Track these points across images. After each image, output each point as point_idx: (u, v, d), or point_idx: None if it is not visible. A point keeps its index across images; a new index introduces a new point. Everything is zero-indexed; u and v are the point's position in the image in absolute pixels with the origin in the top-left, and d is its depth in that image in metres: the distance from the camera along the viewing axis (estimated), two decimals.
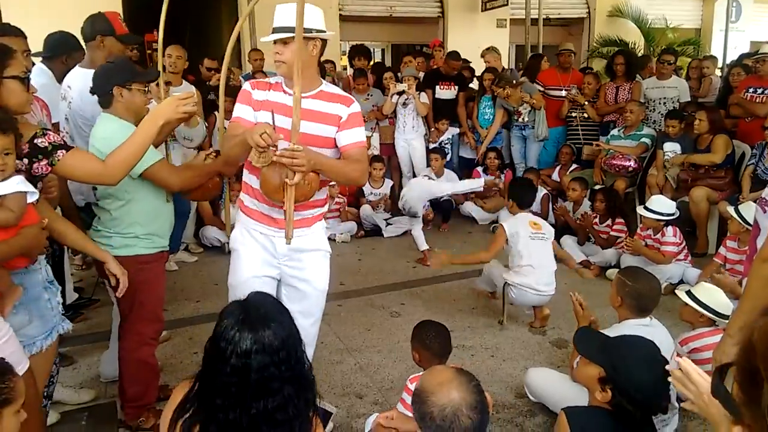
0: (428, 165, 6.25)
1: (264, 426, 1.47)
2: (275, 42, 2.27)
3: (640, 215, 4.57)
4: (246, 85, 2.46)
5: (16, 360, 1.81)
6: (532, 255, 3.70)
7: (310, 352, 2.63)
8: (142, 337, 2.65)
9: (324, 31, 2.33)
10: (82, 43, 3.41)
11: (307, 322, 2.57)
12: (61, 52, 3.40)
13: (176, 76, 4.70)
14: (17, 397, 1.52)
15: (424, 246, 4.95)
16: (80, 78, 3.13)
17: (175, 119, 2.45)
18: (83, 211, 3.13)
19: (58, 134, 2.35)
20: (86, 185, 2.86)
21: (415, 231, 5.00)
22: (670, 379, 1.59)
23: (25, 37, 3.01)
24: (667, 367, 1.65)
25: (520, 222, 3.80)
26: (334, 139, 2.39)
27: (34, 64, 3.23)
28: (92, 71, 2.68)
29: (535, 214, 5.76)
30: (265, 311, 1.53)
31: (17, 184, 1.89)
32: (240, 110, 2.41)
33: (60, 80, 3.38)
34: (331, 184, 5.72)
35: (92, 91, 2.57)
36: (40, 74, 3.22)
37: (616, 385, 1.92)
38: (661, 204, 4.45)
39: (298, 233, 2.38)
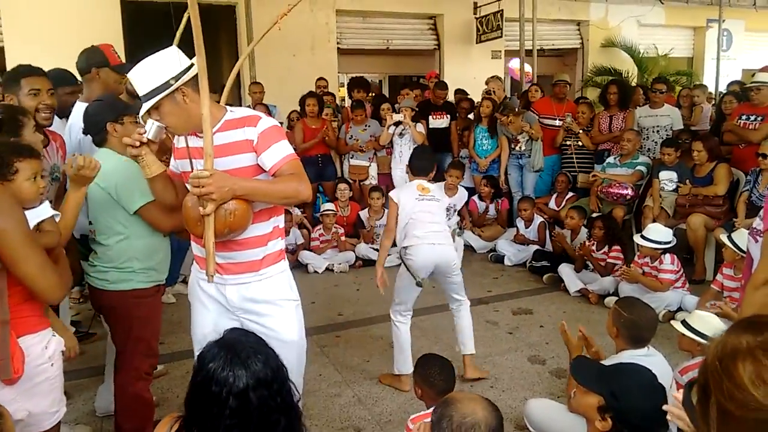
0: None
1: None
2: (149, 113, 2.08)
3: (637, 244, 4.59)
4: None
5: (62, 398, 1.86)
6: (418, 213, 3.38)
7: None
8: (138, 372, 2.63)
9: (184, 72, 2.02)
10: (78, 77, 3.48)
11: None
12: (60, 87, 3.46)
13: None
14: None
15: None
16: (81, 111, 3.18)
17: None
18: (79, 242, 3.16)
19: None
20: (82, 217, 2.87)
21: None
22: (668, 417, 1.59)
23: (45, 76, 3.07)
24: (664, 406, 1.65)
25: (407, 188, 3.56)
26: (257, 165, 2.11)
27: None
28: None
29: (531, 242, 5.82)
30: (250, 345, 1.52)
31: (50, 207, 1.94)
32: (171, 161, 2.31)
33: (60, 115, 3.44)
34: (324, 213, 5.85)
35: (85, 132, 2.61)
36: None
37: (616, 414, 1.91)
38: (658, 232, 4.47)
39: (244, 279, 2.18)
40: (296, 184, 2.07)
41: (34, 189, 1.93)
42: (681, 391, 1.61)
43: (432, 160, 3.74)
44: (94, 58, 3.31)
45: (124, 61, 3.54)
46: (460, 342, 3.52)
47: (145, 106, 2.03)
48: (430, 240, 3.34)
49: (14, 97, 2.95)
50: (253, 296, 2.22)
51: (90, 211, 2.55)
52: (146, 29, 7.14)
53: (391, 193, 3.63)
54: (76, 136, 3.13)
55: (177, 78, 2.00)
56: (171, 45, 2.16)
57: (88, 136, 2.65)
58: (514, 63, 8.52)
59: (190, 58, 2.05)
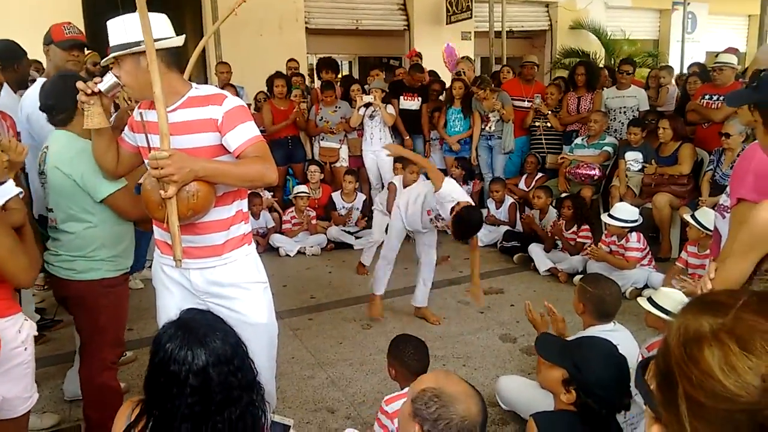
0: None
1: None
2: (111, 66, 2.05)
3: (605, 222, 4.67)
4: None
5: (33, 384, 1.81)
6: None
7: (272, 390, 2.43)
8: (104, 362, 2.56)
9: (158, 40, 1.95)
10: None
11: (258, 362, 1.96)
12: (11, 60, 3.36)
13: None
14: None
15: (367, 262, 5.11)
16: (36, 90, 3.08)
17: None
18: (37, 222, 3.07)
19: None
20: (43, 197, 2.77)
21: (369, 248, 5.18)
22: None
23: None
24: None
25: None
26: (220, 145, 2.04)
27: None
28: None
29: (502, 222, 5.87)
30: (207, 324, 1.51)
31: (14, 186, 1.87)
32: (125, 130, 2.24)
33: (15, 89, 3.34)
34: (297, 195, 5.83)
35: (43, 109, 2.46)
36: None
37: (579, 385, 1.96)
38: (625, 211, 4.55)
39: (207, 263, 2.14)
40: (261, 167, 2.01)
41: None
42: None
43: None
44: (44, 38, 3.27)
45: (85, 36, 3.43)
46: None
47: (110, 57, 1.98)
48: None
49: None
50: (218, 280, 2.18)
51: (51, 199, 2.44)
52: (106, 9, 6.93)
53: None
54: (27, 111, 3.03)
55: (157, 41, 1.92)
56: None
57: (42, 114, 2.49)
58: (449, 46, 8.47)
59: None
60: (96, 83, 2.04)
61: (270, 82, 6.38)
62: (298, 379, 3.29)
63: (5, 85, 3.29)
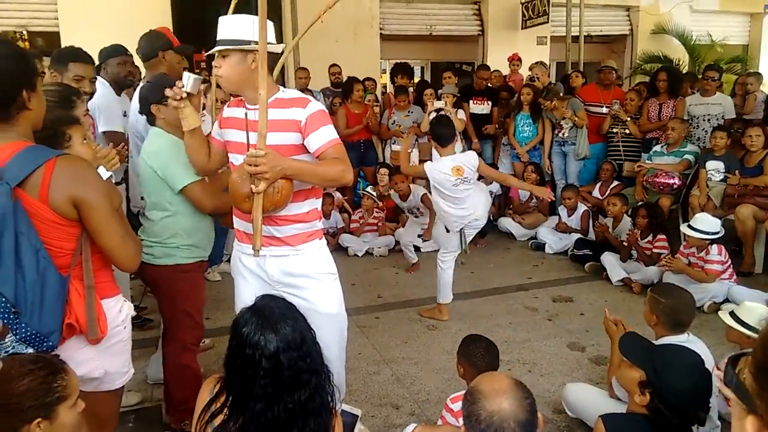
0: None
1: (299, 418, 1.55)
2: (215, 57, 2.18)
3: (684, 233, 4.49)
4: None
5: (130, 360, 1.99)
6: (460, 199, 3.92)
7: (341, 380, 2.52)
8: (184, 343, 2.74)
9: (272, 44, 2.16)
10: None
11: (329, 354, 2.26)
12: (100, 63, 3.58)
13: (227, 94, 4.86)
14: (72, 393, 1.61)
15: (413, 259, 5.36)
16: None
17: None
18: (134, 216, 3.31)
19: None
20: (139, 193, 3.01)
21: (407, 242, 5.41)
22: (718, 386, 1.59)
23: (92, 64, 3.22)
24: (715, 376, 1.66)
25: (442, 168, 3.90)
26: (303, 146, 2.19)
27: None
28: None
29: (573, 230, 5.75)
30: (279, 311, 1.61)
31: (105, 170, 2.05)
32: (213, 129, 2.39)
33: (116, 91, 3.57)
34: (365, 194, 5.94)
35: (140, 111, 2.73)
36: (101, 88, 3.42)
37: (655, 390, 1.93)
38: (706, 222, 4.36)
39: (281, 251, 2.27)
40: (340, 168, 2.16)
41: (90, 151, 2.03)
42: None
43: (452, 126, 4.10)
44: (158, 42, 3.39)
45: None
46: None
47: (218, 47, 2.13)
48: (473, 220, 4.01)
49: (59, 75, 3.08)
50: (291, 270, 2.31)
51: (142, 188, 2.67)
52: (194, 12, 7.32)
53: (426, 167, 3.98)
54: (139, 118, 3.25)
55: (269, 45, 2.09)
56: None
57: (142, 118, 2.76)
58: None
59: None
60: (180, 87, 2.21)
61: (348, 86, 6.54)
62: (364, 374, 3.37)
63: (105, 84, 3.54)
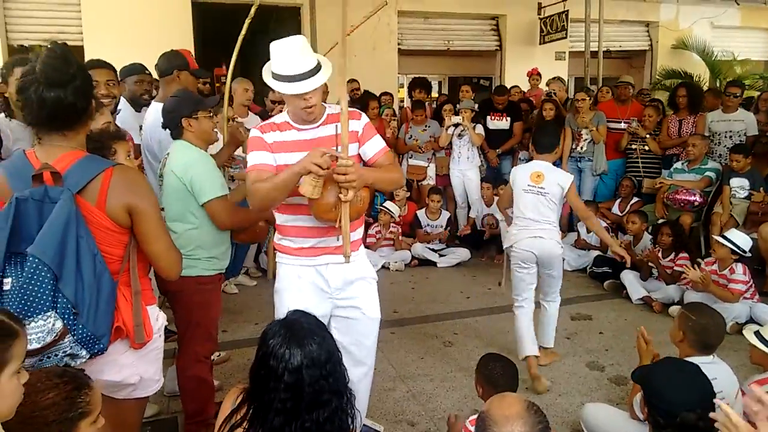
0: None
1: None
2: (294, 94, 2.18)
3: (716, 241, 4.37)
4: (254, 132, 2.38)
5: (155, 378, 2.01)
6: (527, 208, 3.50)
7: (363, 409, 2.56)
8: (197, 355, 2.75)
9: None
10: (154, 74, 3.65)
11: (359, 371, 2.48)
12: (121, 79, 3.63)
13: (242, 107, 4.92)
14: (94, 409, 1.60)
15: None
16: (153, 112, 3.34)
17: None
18: None
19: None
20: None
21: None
22: (714, 418, 1.57)
23: (112, 69, 3.27)
24: (711, 415, 1.63)
25: (523, 170, 3.63)
26: (359, 154, 2.36)
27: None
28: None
29: (593, 247, 5.69)
30: (309, 327, 1.60)
31: None
32: (257, 157, 2.29)
33: (135, 107, 3.64)
34: (382, 209, 5.94)
35: (164, 126, 2.75)
36: (121, 105, 3.48)
37: (645, 398, 1.93)
38: (739, 238, 4.28)
39: (341, 258, 2.30)
40: (399, 172, 2.52)
41: (133, 165, 2.11)
42: (723, 403, 1.60)
43: (557, 136, 3.90)
44: (176, 61, 3.47)
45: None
46: (539, 334, 3.62)
47: (315, 84, 2.18)
48: (531, 233, 3.45)
49: None
50: (350, 276, 2.44)
51: (164, 199, 2.67)
52: (215, 30, 7.42)
53: (513, 169, 3.78)
54: (153, 136, 3.29)
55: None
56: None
57: (167, 130, 2.78)
58: None
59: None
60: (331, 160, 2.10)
61: (364, 101, 6.57)
62: (379, 391, 3.34)
63: (123, 101, 3.60)
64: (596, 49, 8.45)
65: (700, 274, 4.22)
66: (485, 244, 6.23)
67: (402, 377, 3.52)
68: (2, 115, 2.98)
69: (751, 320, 4.16)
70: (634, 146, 6.22)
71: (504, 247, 3.77)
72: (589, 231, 5.81)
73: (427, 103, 6.97)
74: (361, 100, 6.64)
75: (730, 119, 5.88)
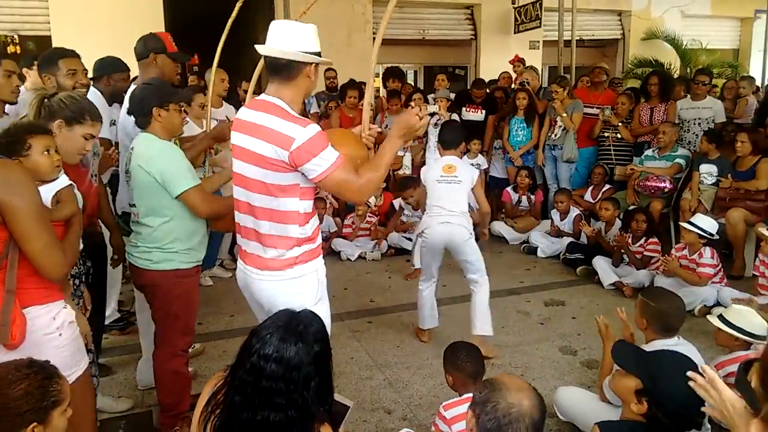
0: None
1: None
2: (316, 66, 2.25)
3: (683, 227, 4.47)
4: (316, 128, 2.11)
5: (74, 362, 1.95)
6: (441, 198, 3.71)
7: None
8: (175, 348, 2.73)
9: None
10: (134, 64, 3.61)
11: None
12: (105, 72, 3.63)
13: (218, 98, 4.86)
14: (65, 398, 1.61)
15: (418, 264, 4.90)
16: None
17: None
18: (120, 218, 3.31)
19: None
20: (124, 194, 3.03)
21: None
22: (691, 383, 1.60)
23: (79, 57, 3.23)
24: (689, 373, 1.66)
25: (433, 166, 3.87)
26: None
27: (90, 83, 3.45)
28: None
29: (566, 234, 5.77)
30: (303, 329, 1.56)
31: (66, 179, 2.04)
32: (335, 151, 2.11)
33: (109, 101, 3.58)
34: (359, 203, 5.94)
35: (129, 112, 2.68)
36: (91, 95, 3.41)
37: (652, 398, 1.93)
38: (705, 222, 4.39)
39: None
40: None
41: (49, 162, 2.00)
42: (708, 366, 1.63)
43: (460, 133, 4.04)
44: (152, 44, 3.41)
45: None
46: (472, 321, 3.68)
47: (326, 59, 2.22)
48: (447, 220, 3.63)
49: (52, 77, 3.11)
50: None
51: (135, 194, 2.63)
52: (187, 20, 7.31)
53: (422, 169, 4.04)
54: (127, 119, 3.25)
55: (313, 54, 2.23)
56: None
57: (131, 116, 2.70)
58: None
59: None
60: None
61: (343, 90, 6.54)
62: (356, 379, 3.37)
63: (96, 93, 3.54)
64: (570, 38, 8.53)
65: (676, 264, 4.35)
66: None
67: (379, 366, 3.55)
68: None
69: (718, 303, 4.27)
70: (606, 134, 6.30)
71: (415, 233, 4.15)
72: (562, 219, 5.90)
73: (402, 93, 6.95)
74: (341, 89, 6.60)
75: (698, 107, 5.99)
